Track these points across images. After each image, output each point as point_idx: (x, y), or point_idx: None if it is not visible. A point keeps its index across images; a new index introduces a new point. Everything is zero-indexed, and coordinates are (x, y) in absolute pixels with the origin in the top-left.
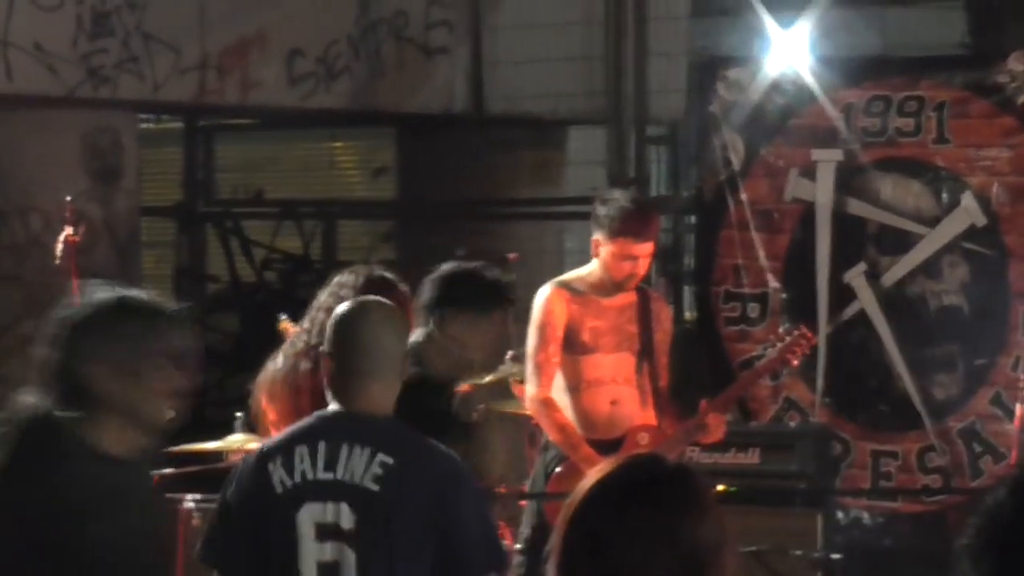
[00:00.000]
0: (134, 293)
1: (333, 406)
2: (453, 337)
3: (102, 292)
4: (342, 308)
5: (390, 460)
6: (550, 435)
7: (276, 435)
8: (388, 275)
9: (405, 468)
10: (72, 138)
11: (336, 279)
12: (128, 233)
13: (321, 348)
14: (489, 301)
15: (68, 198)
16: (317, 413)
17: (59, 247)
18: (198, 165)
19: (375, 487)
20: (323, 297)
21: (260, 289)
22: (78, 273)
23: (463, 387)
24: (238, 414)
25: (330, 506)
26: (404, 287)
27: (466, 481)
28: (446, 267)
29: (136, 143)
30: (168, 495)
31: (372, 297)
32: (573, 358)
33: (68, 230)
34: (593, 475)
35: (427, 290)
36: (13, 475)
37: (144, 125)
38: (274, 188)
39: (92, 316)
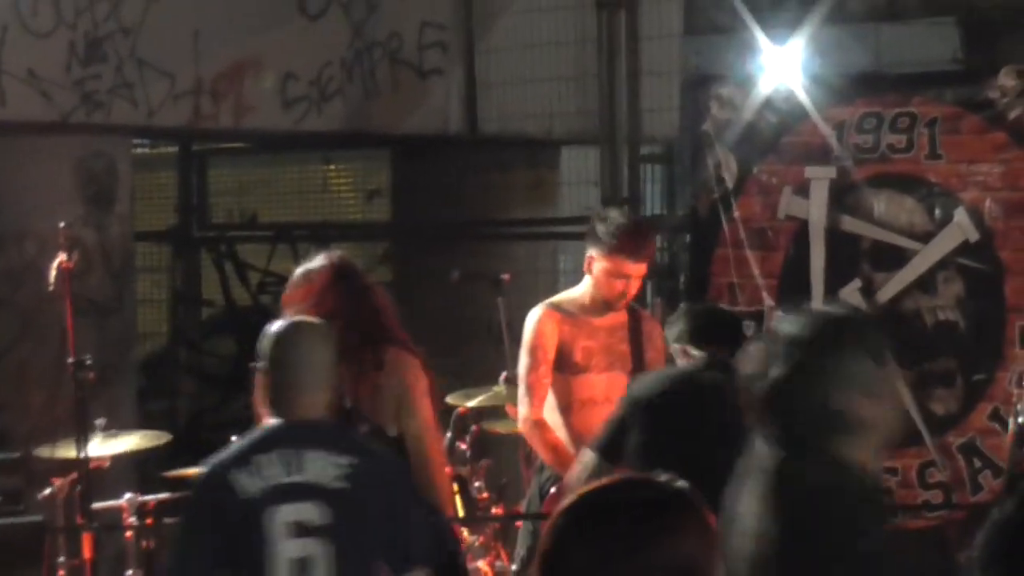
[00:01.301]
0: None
1: (276, 418)
2: None
3: (823, 309)
4: (275, 328)
5: (346, 460)
6: (542, 456)
7: (224, 451)
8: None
9: (363, 466)
10: (66, 164)
11: (304, 268)
12: (123, 258)
13: (258, 365)
14: None
15: (62, 224)
16: (266, 425)
17: (53, 272)
18: (192, 189)
19: (344, 485)
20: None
21: (256, 312)
22: (72, 298)
23: (459, 409)
24: (234, 437)
25: (303, 506)
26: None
27: (409, 477)
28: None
29: (130, 168)
30: (166, 519)
31: (302, 316)
32: (565, 378)
33: (62, 255)
34: (581, 493)
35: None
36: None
37: (138, 150)
38: (268, 211)
39: (831, 334)
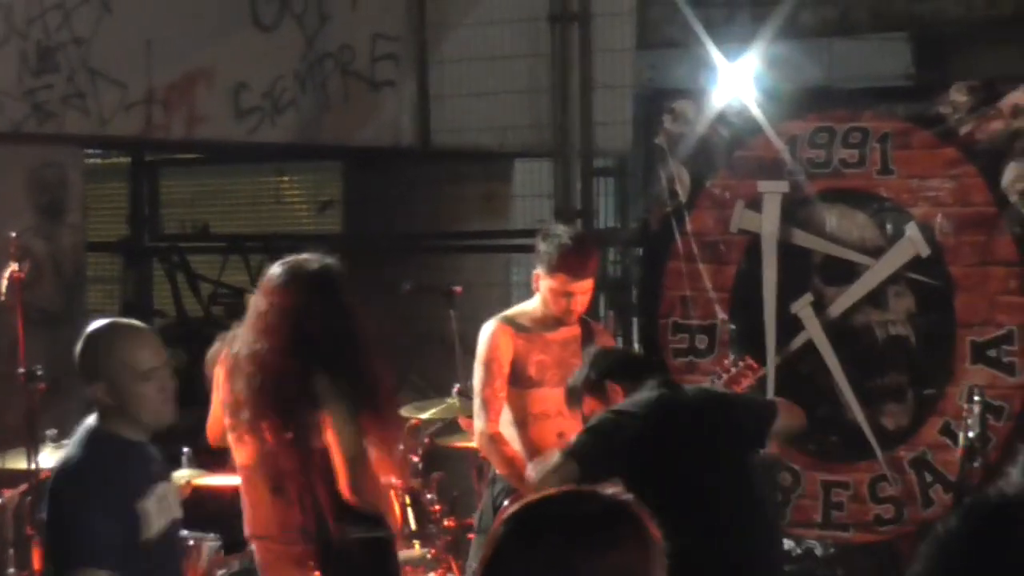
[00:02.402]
0: None
1: None
2: None
3: None
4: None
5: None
6: (499, 469)
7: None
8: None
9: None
10: (18, 174)
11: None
12: (74, 268)
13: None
14: None
15: (13, 233)
16: None
17: (4, 282)
18: (144, 200)
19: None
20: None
21: (207, 323)
22: (23, 308)
23: (412, 421)
24: (185, 448)
25: None
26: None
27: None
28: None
29: (82, 178)
30: None
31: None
32: (519, 392)
33: (13, 266)
34: (524, 505)
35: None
36: None
37: (90, 160)
38: (220, 222)
39: None
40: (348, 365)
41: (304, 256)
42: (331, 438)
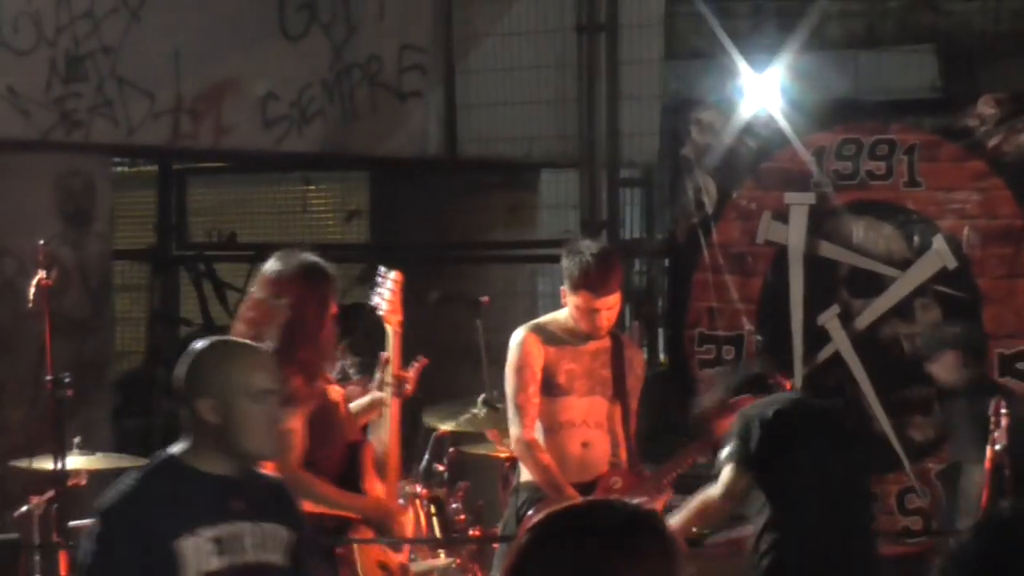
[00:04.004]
0: None
1: None
2: None
3: None
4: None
5: None
6: (534, 476)
7: None
8: (319, 262)
9: None
10: (45, 182)
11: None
12: (101, 277)
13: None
14: None
15: (41, 242)
16: None
17: (32, 291)
18: (171, 209)
19: None
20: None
21: None
22: (51, 316)
23: (438, 431)
24: None
25: None
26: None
27: None
28: None
29: (109, 187)
30: None
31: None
32: (547, 400)
33: (41, 274)
34: (550, 515)
35: None
36: None
37: (117, 169)
38: (247, 231)
39: None
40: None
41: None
42: None
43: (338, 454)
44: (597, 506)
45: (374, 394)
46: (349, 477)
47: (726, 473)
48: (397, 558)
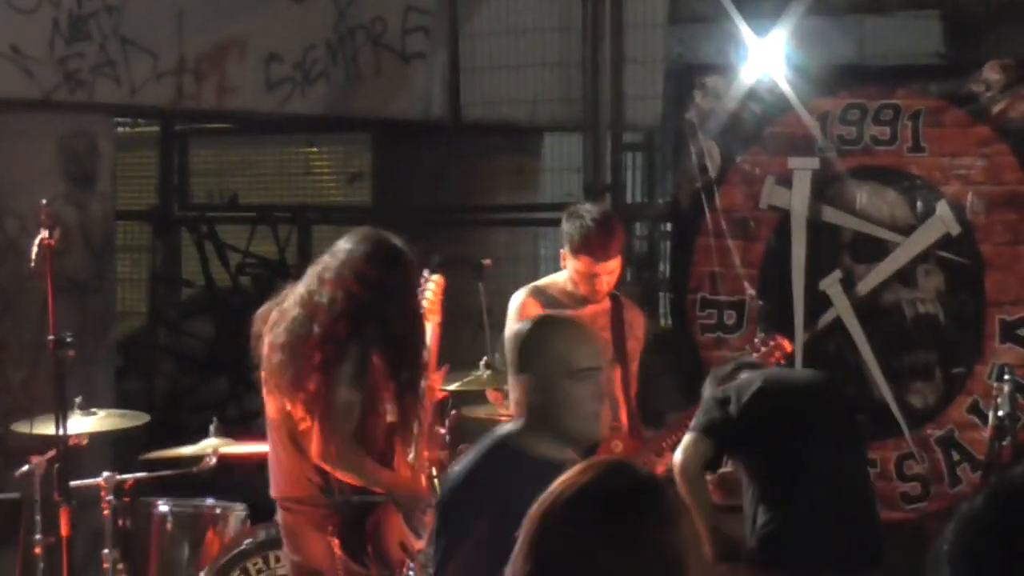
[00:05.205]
0: None
1: None
2: None
3: None
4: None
5: None
6: None
7: None
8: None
9: None
10: (48, 142)
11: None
12: (103, 237)
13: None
14: None
15: (44, 202)
16: None
17: (34, 251)
18: (174, 169)
19: None
20: (326, 258)
21: (235, 294)
22: (53, 277)
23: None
24: (213, 418)
25: None
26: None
27: None
28: None
29: (112, 147)
30: (142, 499)
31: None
32: None
33: (43, 234)
34: (568, 481)
35: None
36: None
37: (120, 129)
38: (249, 193)
39: None
40: (391, 341)
41: (387, 234)
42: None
43: (380, 433)
44: (613, 467)
45: None
46: (387, 456)
47: (684, 440)
48: (419, 544)
